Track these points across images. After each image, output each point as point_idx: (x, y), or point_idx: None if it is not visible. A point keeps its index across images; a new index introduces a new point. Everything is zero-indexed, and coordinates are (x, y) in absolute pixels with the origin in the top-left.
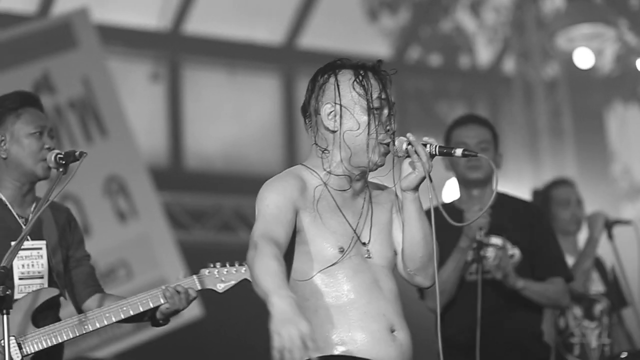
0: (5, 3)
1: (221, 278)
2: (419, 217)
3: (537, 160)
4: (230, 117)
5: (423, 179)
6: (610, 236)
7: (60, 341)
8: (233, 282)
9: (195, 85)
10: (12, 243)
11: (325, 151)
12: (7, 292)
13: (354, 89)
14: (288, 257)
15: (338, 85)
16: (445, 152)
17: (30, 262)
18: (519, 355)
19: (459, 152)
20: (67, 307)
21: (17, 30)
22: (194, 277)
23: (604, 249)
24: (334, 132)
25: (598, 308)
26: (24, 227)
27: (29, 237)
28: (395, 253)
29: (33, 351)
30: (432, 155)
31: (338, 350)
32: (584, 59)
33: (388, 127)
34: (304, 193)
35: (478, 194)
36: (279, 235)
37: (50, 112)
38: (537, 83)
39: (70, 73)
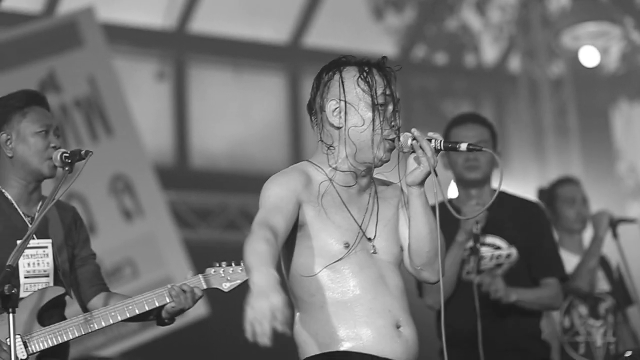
0: (11, 2)
1: (227, 277)
2: (424, 212)
3: (543, 158)
4: (235, 116)
5: (428, 173)
6: (614, 234)
7: (65, 340)
8: (239, 282)
9: (201, 84)
10: (18, 242)
11: (331, 147)
12: (13, 291)
13: (358, 85)
14: (290, 252)
15: (343, 82)
16: (450, 147)
17: (36, 260)
18: (518, 354)
19: (464, 146)
20: (72, 306)
21: (22, 29)
22: (200, 276)
23: (608, 248)
24: (338, 128)
25: (603, 306)
26: (29, 225)
27: (34, 236)
28: (402, 249)
29: (38, 350)
30: (437, 150)
31: (344, 347)
32: (589, 57)
33: (393, 123)
34: (308, 187)
35: (476, 193)
36: (277, 223)
37: (56, 111)
38: (542, 81)
39: (76, 72)
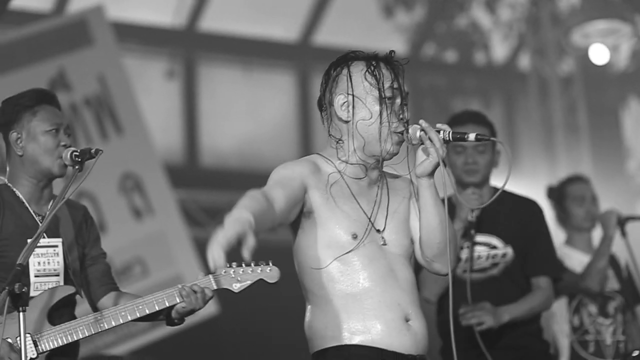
0: (21, 1)
1: (237, 278)
2: (434, 203)
3: (552, 156)
4: (245, 114)
5: (437, 164)
6: (623, 233)
7: (75, 339)
8: (249, 282)
9: (211, 83)
10: (29, 240)
11: (340, 141)
12: (23, 290)
13: (365, 79)
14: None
15: (350, 76)
16: (459, 137)
17: (46, 259)
18: (518, 353)
19: (472, 136)
20: (82, 305)
21: (33, 28)
22: (210, 276)
23: (617, 246)
24: (347, 122)
25: (612, 305)
26: (40, 224)
27: (45, 235)
28: (412, 242)
29: (48, 349)
30: (445, 141)
31: (353, 340)
32: (599, 55)
33: (401, 116)
34: (315, 174)
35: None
36: (276, 194)
37: (66, 109)
38: (552, 79)
39: (86, 70)
